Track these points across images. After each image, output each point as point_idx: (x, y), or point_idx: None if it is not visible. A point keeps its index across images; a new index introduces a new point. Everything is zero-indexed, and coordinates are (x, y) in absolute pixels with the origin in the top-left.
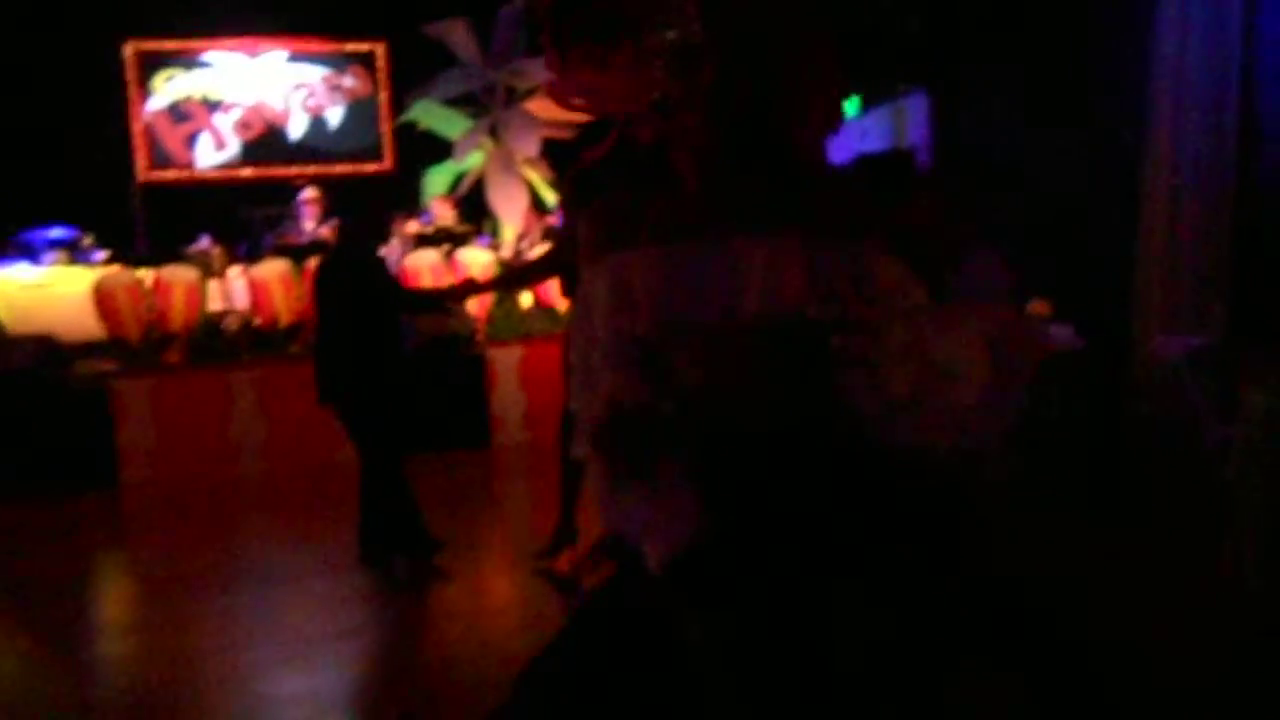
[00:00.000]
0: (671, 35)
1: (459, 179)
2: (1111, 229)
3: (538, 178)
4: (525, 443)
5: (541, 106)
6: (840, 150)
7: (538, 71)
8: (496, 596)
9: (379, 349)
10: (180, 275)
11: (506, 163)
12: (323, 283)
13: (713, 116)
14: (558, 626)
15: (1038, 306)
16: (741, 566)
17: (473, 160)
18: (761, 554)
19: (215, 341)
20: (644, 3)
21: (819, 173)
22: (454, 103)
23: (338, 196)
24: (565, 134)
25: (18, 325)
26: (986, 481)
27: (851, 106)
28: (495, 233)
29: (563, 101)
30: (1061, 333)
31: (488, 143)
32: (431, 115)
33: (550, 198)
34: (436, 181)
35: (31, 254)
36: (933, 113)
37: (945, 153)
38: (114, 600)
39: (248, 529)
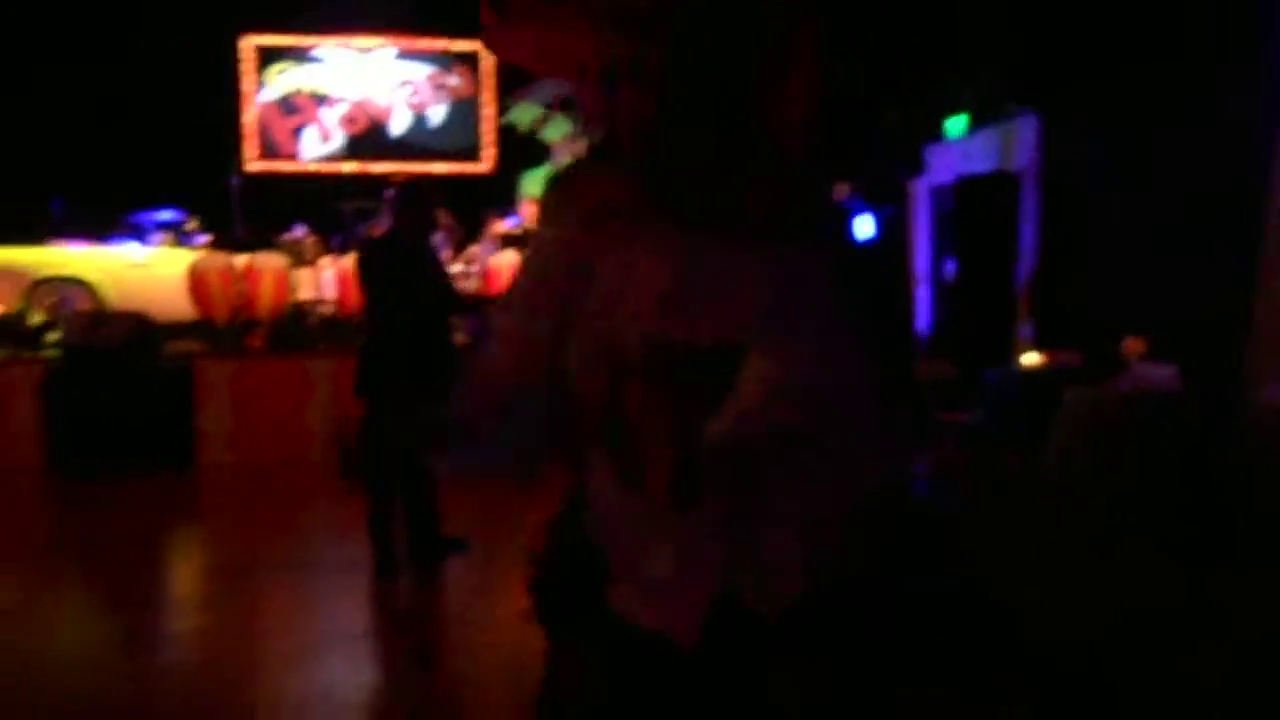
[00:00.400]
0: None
1: None
2: (1224, 266)
3: None
4: None
5: None
6: (945, 171)
7: None
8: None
9: (426, 344)
10: (270, 262)
11: None
12: (367, 273)
13: (664, 91)
14: None
15: (1133, 345)
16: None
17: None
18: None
19: (297, 329)
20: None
21: (791, 165)
22: (557, 106)
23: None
24: None
25: (120, 302)
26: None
27: (959, 127)
28: None
29: (501, 55)
30: (1161, 373)
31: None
32: (533, 118)
33: None
34: (532, 184)
35: (140, 235)
36: (1042, 133)
37: (1054, 174)
38: (176, 578)
39: (315, 516)
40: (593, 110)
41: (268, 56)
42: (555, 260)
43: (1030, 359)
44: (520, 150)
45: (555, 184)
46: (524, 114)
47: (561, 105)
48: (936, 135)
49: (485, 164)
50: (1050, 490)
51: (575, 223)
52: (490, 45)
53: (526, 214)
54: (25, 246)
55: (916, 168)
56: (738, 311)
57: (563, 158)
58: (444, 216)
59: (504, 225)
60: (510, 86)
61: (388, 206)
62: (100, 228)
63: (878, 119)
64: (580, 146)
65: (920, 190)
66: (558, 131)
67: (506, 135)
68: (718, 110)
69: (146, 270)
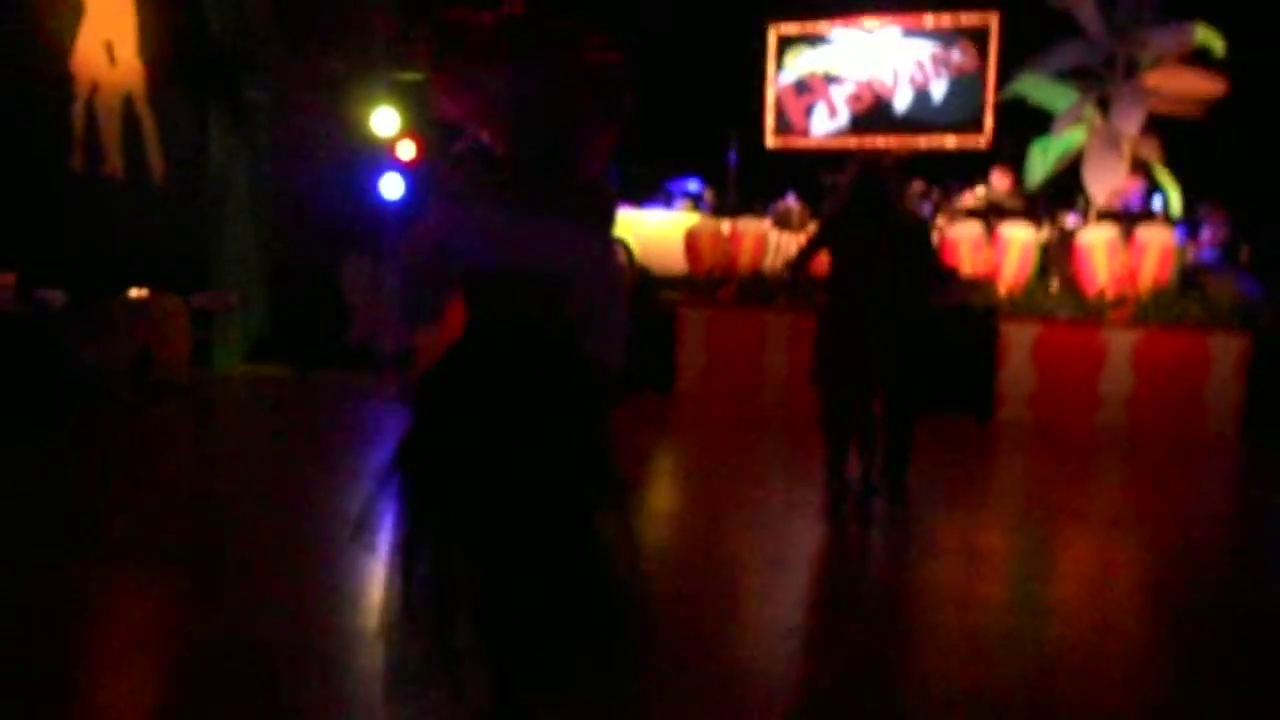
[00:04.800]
0: (496, 88)
1: (1065, 153)
2: None
3: (1150, 153)
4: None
5: (1160, 79)
6: None
7: (1165, 40)
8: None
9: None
10: (751, 227)
11: (1109, 138)
12: (821, 241)
13: (508, 144)
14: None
15: None
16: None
17: (1075, 135)
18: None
19: (762, 287)
20: (485, 67)
21: (584, 184)
22: (1066, 76)
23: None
24: (1184, 109)
25: (641, 258)
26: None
27: None
28: (1086, 209)
29: (440, 111)
30: None
31: (1093, 116)
32: (1039, 88)
33: (1161, 175)
34: (1036, 156)
35: (668, 200)
36: None
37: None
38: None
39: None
40: (490, 142)
41: (786, 43)
42: (447, 226)
43: None
44: (1027, 121)
45: (456, 179)
46: (1029, 86)
47: (1067, 75)
48: None
49: (984, 136)
50: None
51: (470, 199)
52: (434, 105)
53: (996, 181)
54: None
55: None
56: (554, 257)
57: (1066, 126)
58: (918, 186)
59: (970, 197)
60: (1015, 59)
61: (844, 181)
62: (642, 193)
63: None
64: (1083, 114)
65: None
66: (1063, 101)
67: (1012, 107)
68: (547, 155)
69: (664, 231)
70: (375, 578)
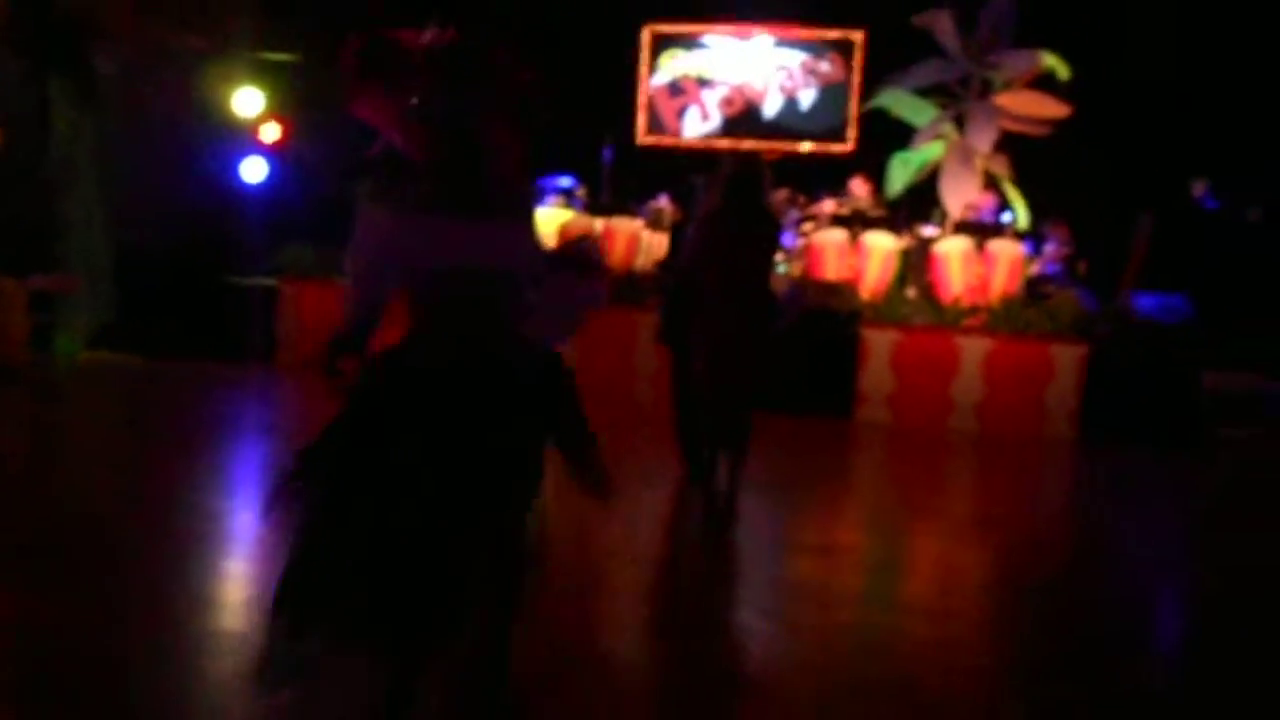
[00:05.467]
0: (413, 98)
1: (922, 166)
2: None
3: (1000, 169)
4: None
5: (1012, 101)
6: None
7: (1016, 64)
8: (849, 551)
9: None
10: (624, 226)
11: (964, 154)
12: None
13: (427, 156)
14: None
15: None
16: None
17: (933, 149)
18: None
19: (634, 286)
20: (406, 76)
21: (508, 183)
22: (926, 92)
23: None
24: (1034, 130)
25: None
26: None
27: None
28: (942, 221)
29: (355, 114)
30: None
31: (950, 132)
32: (900, 103)
33: (1010, 191)
34: (897, 167)
35: (539, 197)
36: None
37: None
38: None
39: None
40: (408, 148)
41: (661, 43)
42: (385, 230)
43: None
44: (887, 133)
45: (383, 187)
46: (891, 100)
47: (926, 92)
48: None
49: (848, 144)
50: None
51: (396, 209)
52: (350, 112)
53: (856, 190)
54: None
55: None
56: (502, 253)
57: (925, 140)
58: (783, 193)
59: (832, 204)
60: (878, 73)
61: (714, 182)
62: None
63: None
64: (941, 130)
65: None
66: (922, 116)
67: (873, 118)
68: (465, 158)
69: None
70: (229, 575)
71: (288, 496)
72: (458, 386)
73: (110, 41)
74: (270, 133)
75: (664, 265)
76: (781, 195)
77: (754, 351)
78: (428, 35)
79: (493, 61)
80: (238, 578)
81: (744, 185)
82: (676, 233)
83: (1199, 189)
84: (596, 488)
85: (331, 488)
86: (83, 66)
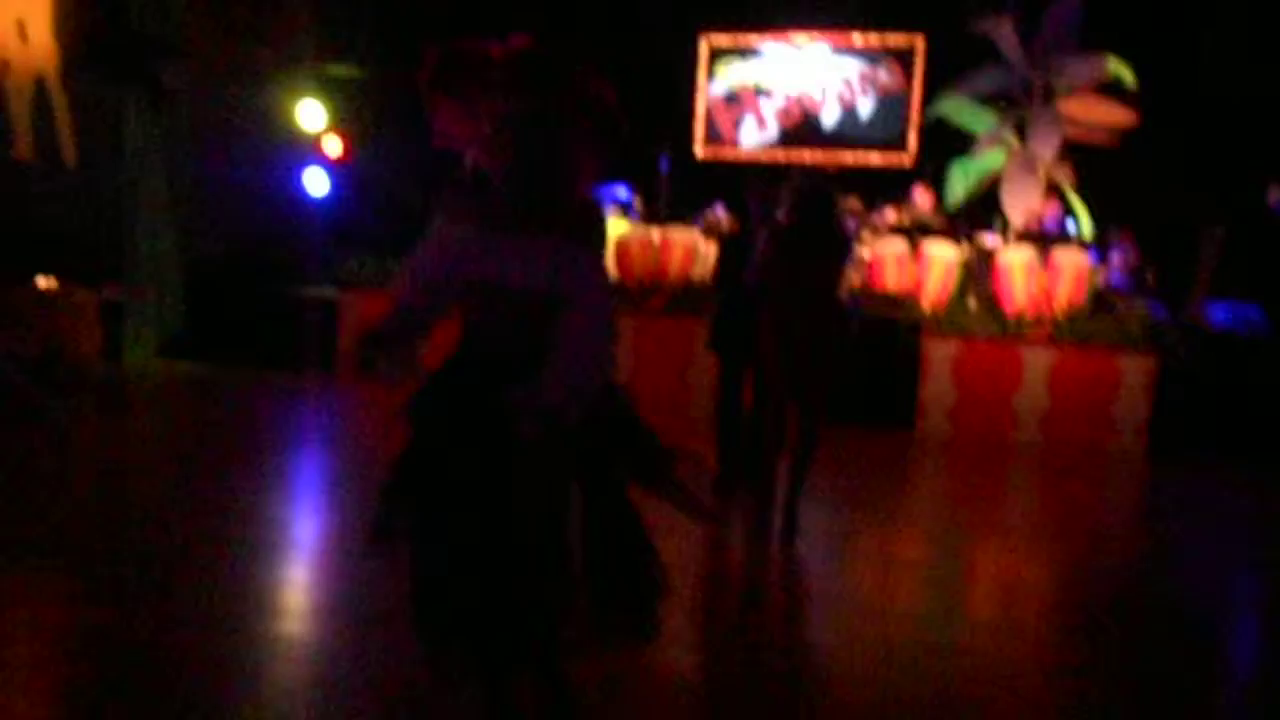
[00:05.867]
0: (493, 114)
1: (983, 174)
2: None
3: (1064, 177)
4: (949, 433)
5: (1075, 107)
6: None
7: (1080, 70)
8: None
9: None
10: (681, 236)
11: (1027, 161)
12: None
13: (506, 167)
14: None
15: None
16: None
17: (994, 157)
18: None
19: (692, 296)
20: (483, 90)
21: (578, 205)
22: (986, 99)
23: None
24: (1096, 137)
25: None
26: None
27: None
28: (1004, 230)
29: (435, 129)
30: None
31: (1011, 140)
32: (961, 111)
33: (1073, 199)
34: (957, 175)
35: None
36: None
37: None
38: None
39: None
40: (484, 163)
41: (718, 54)
42: (450, 245)
43: None
44: (949, 141)
45: (457, 201)
46: (951, 108)
47: (988, 99)
48: None
49: (907, 155)
50: None
51: (470, 224)
52: (431, 130)
53: (918, 199)
54: None
55: None
56: (551, 275)
57: (986, 148)
58: (852, 204)
59: (893, 214)
60: (937, 81)
61: (784, 196)
62: None
63: None
64: (1002, 137)
65: None
66: (983, 124)
67: (935, 126)
68: (541, 176)
69: None
70: (292, 582)
71: (391, 522)
72: (492, 409)
73: (180, 56)
74: (333, 146)
75: (716, 275)
76: (853, 205)
77: (828, 362)
78: (508, 46)
79: (574, 74)
80: (299, 584)
81: (815, 200)
82: (730, 244)
83: (1275, 195)
84: (688, 510)
85: (423, 510)
86: (153, 80)
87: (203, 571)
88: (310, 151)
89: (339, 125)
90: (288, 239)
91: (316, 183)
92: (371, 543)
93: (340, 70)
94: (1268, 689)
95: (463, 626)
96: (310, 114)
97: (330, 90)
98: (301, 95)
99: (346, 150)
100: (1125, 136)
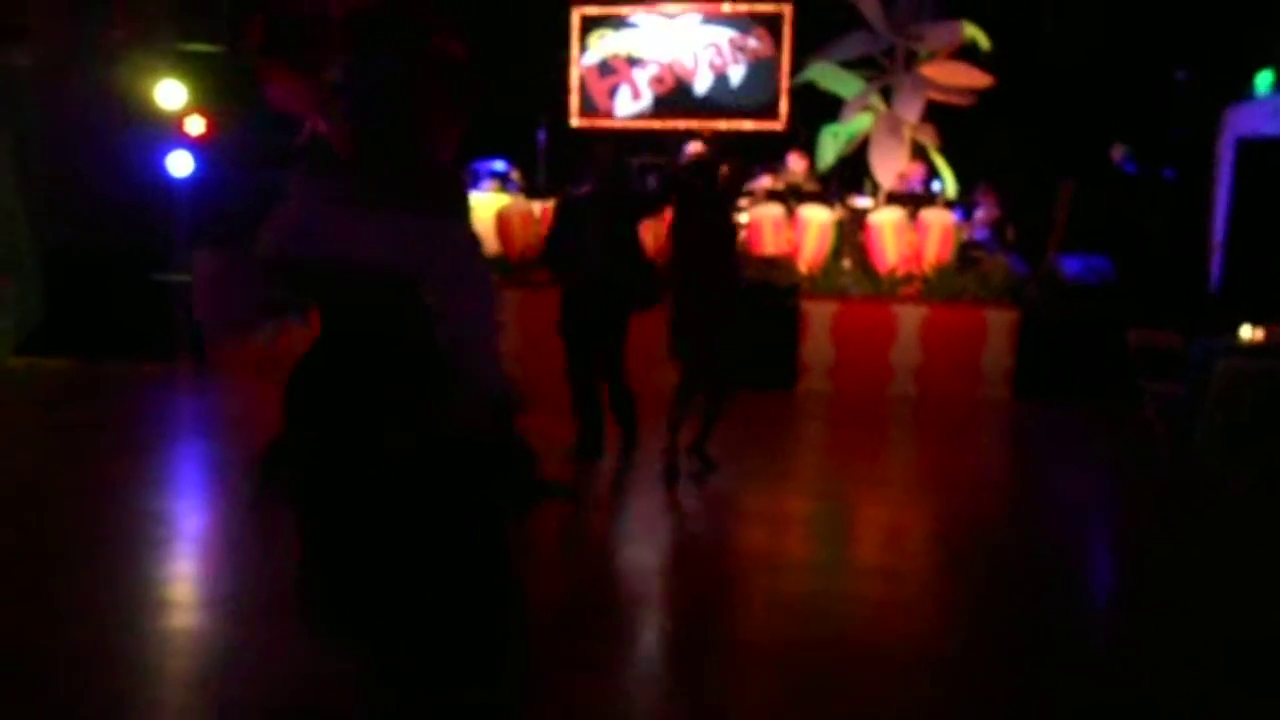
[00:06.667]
0: (332, 77)
1: (851, 138)
2: None
3: (927, 139)
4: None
5: (936, 71)
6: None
7: (939, 35)
8: (792, 518)
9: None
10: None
11: (892, 125)
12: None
13: (349, 135)
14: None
15: None
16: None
17: (862, 121)
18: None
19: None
20: (319, 52)
21: (432, 174)
22: (852, 65)
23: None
24: (958, 100)
25: None
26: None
27: (1266, 83)
28: (874, 192)
29: (270, 100)
30: None
31: (878, 104)
32: (828, 76)
33: (937, 160)
34: (827, 140)
35: (474, 180)
36: None
37: None
38: None
39: None
40: (327, 134)
41: (590, 24)
42: (288, 222)
43: (1248, 333)
44: (818, 106)
45: (310, 177)
46: (820, 73)
47: (854, 65)
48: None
49: (780, 121)
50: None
51: (317, 197)
52: (264, 95)
53: (793, 164)
54: None
55: (1213, 128)
56: (399, 250)
57: (853, 112)
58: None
59: (768, 180)
60: (807, 47)
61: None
62: None
63: None
64: (869, 101)
65: (1224, 152)
66: (850, 89)
67: (803, 92)
68: (391, 145)
69: (473, 212)
70: (178, 576)
71: (268, 500)
72: (359, 385)
73: (25, 36)
74: (195, 126)
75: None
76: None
77: (733, 329)
78: (348, 2)
79: (423, 32)
80: (185, 577)
81: (701, 173)
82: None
83: (1118, 154)
84: (559, 497)
85: (296, 490)
86: None
87: (85, 570)
88: (172, 132)
89: (201, 104)
90: (152, 224)
91: (180, 164)
92: (250, 510)
93: (199, 46)
94: (1126, 610)
95: (340, 610)
96: (169, 93)
97: (190, 68)
98: (159, 75)
99: (210, 129)
100: (982, 98)
